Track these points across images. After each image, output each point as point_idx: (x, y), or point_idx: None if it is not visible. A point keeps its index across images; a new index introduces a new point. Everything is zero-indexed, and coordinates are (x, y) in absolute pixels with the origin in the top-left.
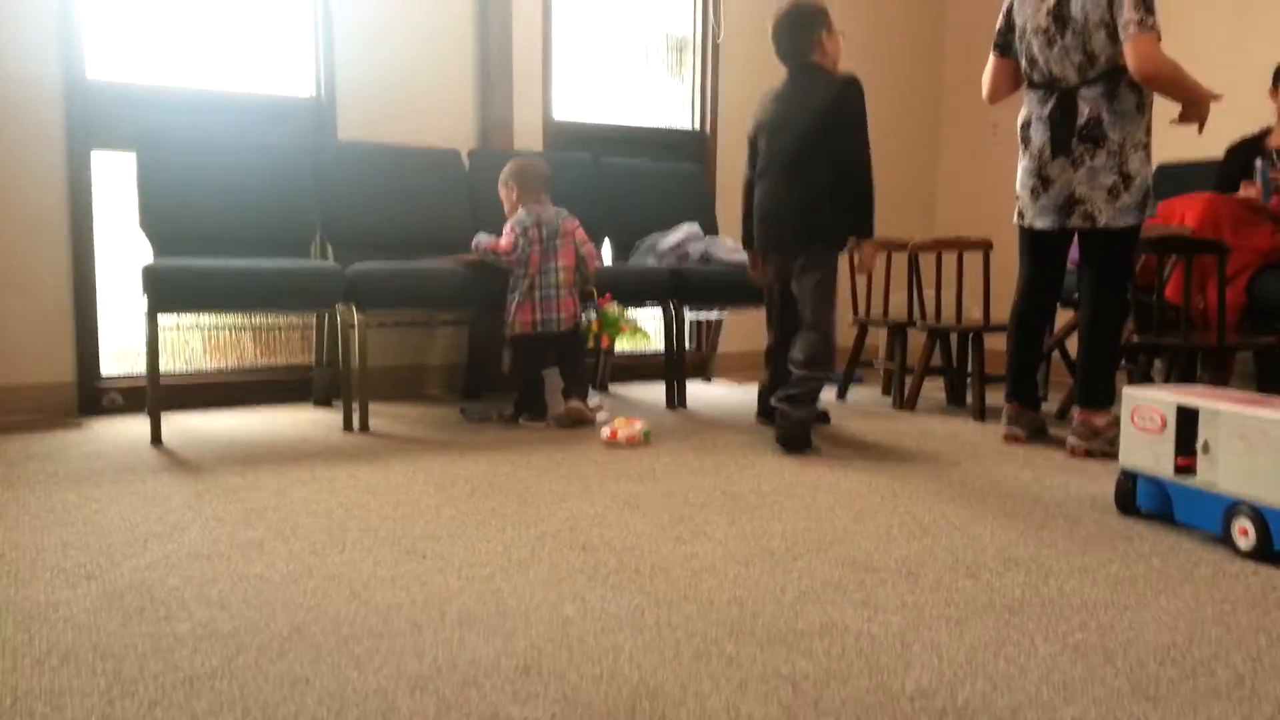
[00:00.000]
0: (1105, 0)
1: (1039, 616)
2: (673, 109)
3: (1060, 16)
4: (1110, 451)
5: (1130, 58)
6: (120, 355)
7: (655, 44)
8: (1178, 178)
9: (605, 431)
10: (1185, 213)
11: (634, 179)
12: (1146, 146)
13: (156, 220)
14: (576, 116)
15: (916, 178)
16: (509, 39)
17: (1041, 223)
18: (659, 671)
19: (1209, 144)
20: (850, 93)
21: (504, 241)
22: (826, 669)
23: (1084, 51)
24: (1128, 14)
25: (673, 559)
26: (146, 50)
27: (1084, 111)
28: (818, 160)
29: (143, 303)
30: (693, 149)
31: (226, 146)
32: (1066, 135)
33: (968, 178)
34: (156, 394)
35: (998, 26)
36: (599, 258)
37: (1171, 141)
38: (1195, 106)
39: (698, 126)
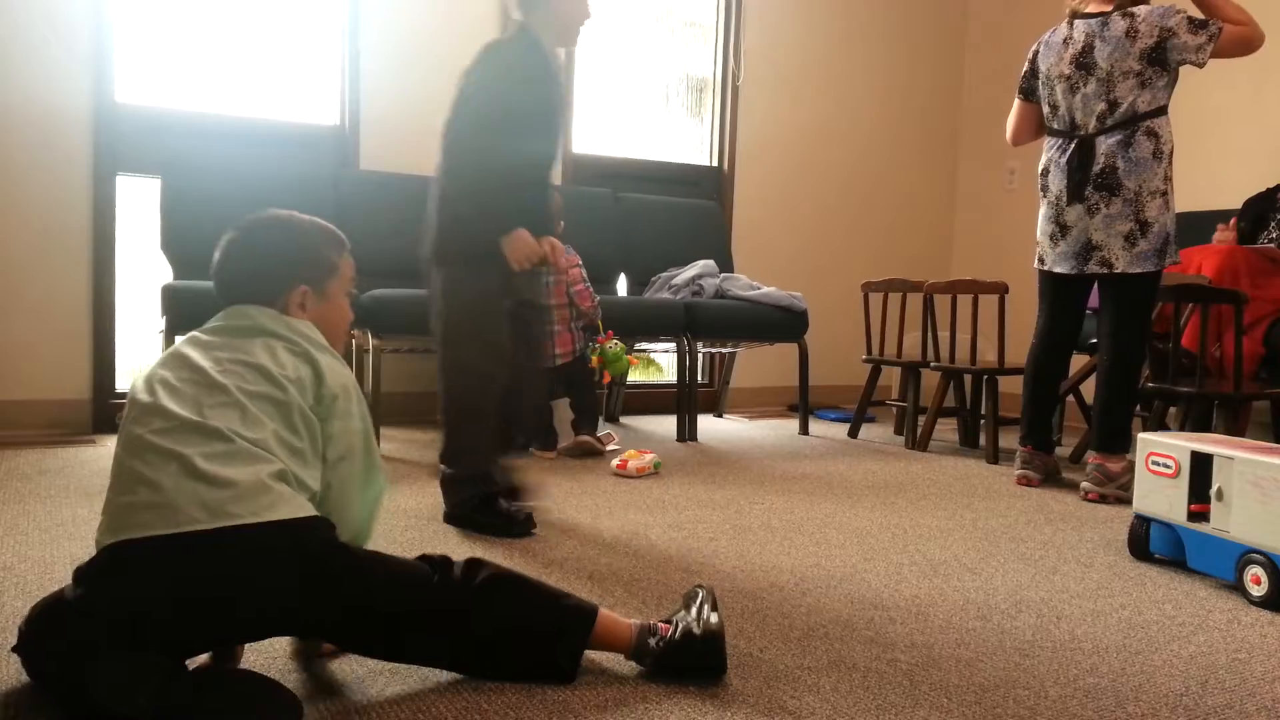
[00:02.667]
0: (1138, 51)
1: (1050, 659)
2: (691, 147)
3: (1084, 64)
4: (1124, 497)
5: (1229, 53)
6: (135, 373)
7: (676, 84)
8: (1196, 227)
9: (615, 462)
10: (1203, 262)
11: (651, 214)
12: (1165, 194)
13: (178, 243)
14: (596, 150)
15: (933, 221)
16: None
17: (1061, 268)
18: (664, 703)
19: (1227, 195)
20: (484, 55)
21: None
22: (834, 706)
23: (1106, 99)
24: (1197, 41)
25: (680, 590)
26: (175, 75)
27: (1100, 159)
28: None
29: (161, 322)
30: (710, 186)
31: (249, 172)
32: (1082, 182)
33: (984, 222)
34: None
35: (1023, 71)
36: (593, 297)
37: (1190, 192)
38: None
39: (716, 163)
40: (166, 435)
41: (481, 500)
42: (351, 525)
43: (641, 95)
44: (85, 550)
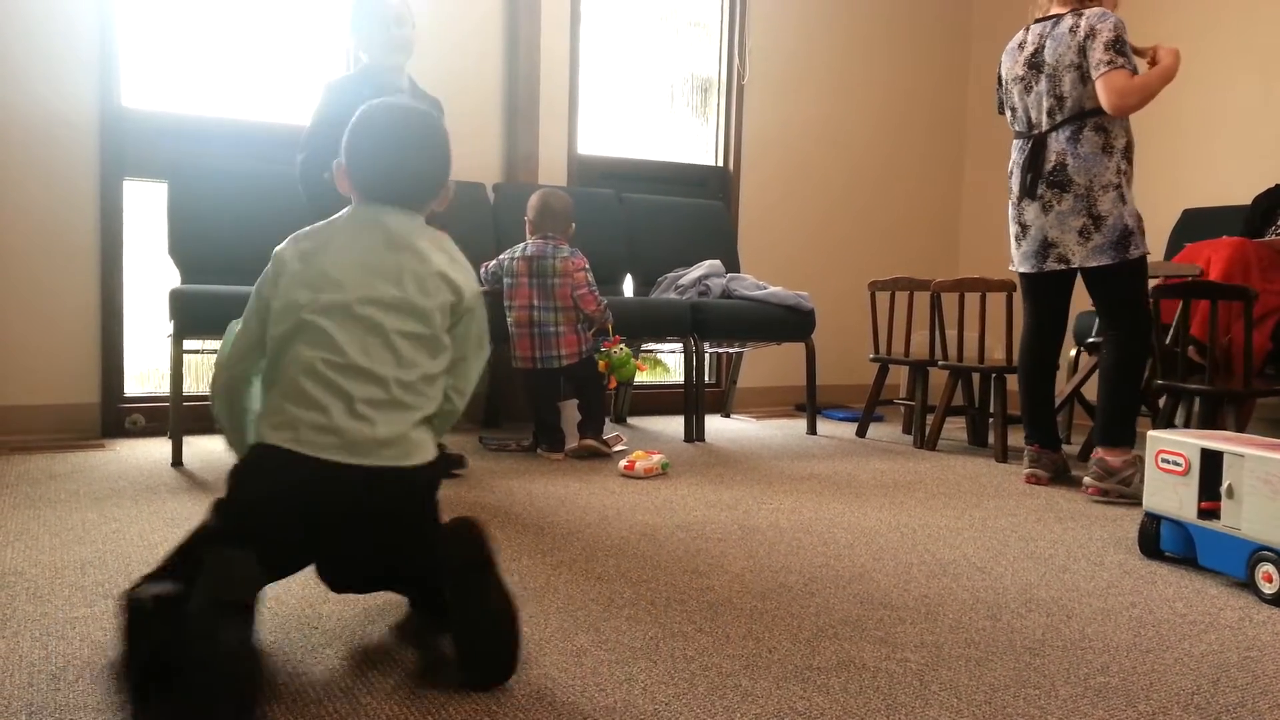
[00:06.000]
0: (1076, 44)
1: (1060, 658)
2: (697, 147)
3: (1035, 63)
4: (1126, 492)
5: (1101, 95)
6: (143, 377)
7: (680, 84)
8: (1205, 223)
9: (623, 463)
10: (1212, 255)
11: (657, 214)
12: (1118, 187)
13: (185, 248)
14: (601, 151)
15: (939, 219)
16: (536, 76)
17: (1024, 267)
18: (673, 704)
19: (1237, 190)
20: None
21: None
22: (844, 706)
23: (1054, 95)
24: (1098, 56)
25: (688, 591)
26: (181, 80)
27: (1051, 157)
28: None
29: (169, 326)
30: (716, 186)
31: (256, 176)
32: (1034, 180)
33: (990, 219)
34: (179, 416)
35: (996, 85)
36: (597, 302)
37: (1200, 188)
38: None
39: (721, 163)
40: (336, 370)
41: None
42: (467, 391)
43: (646, 95)
44: (97, 554)
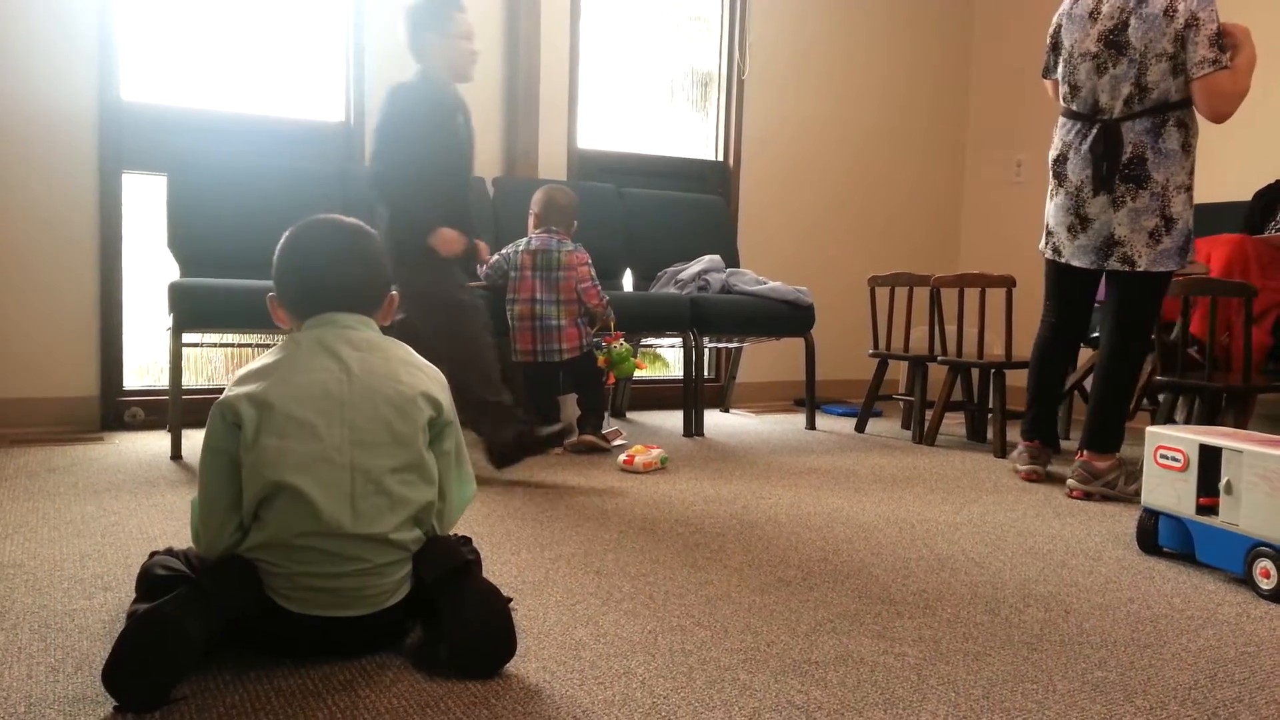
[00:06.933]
0: (1174, 32)
1: (1058, 653)
2: (696, 142)
3: (1116, 43)
4: (1109, 494)
5: (1200, 100)
6: (142, 370)
7: (680, 79)
8: (1205, 218)
9: (622, 457)
10: (1212, 252)
11: (657, 209)
12: (1189, 189)
13: (185, 241)
14: (601, 145)
15: (939, 214)
16: (536, 70)
17: (1080, 261)
18: (671, 697)
19: (1238, 186)
20: (391, 93)
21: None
22: (841, 700)
23: (1136, 83)
24: (1202, 53)
25: (687, 585)
26: (181, 73)
27: (1128, 148)
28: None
29: (168, 319)
30: (716, 181)
31: (256, 170)
32: (1110, 172)
33: (991, 214)
34: (178, 410)
35: (1046, 48)
36: (600, 296)
37: (1200, 184)
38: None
39: (721, 158)
40: (321, 540)
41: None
42: (447, 519)
43: (646, 90)
44: (95, 547)
